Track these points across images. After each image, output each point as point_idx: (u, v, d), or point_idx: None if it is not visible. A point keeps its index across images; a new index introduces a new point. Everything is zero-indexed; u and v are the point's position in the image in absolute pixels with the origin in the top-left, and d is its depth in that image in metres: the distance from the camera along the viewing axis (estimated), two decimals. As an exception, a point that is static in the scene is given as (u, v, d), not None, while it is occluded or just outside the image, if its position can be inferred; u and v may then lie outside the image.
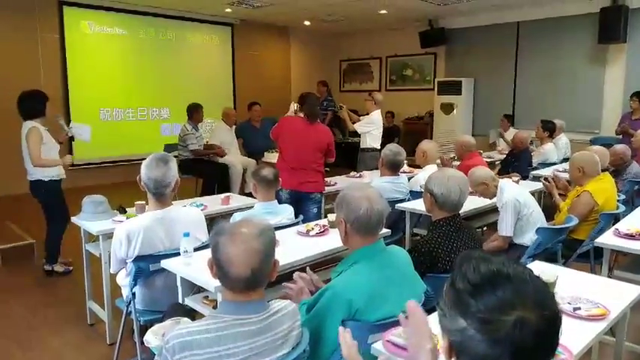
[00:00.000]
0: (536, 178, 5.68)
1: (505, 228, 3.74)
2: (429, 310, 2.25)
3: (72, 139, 5.08)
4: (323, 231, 3.30)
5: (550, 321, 1.00)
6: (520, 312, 0.98)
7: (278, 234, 2.90)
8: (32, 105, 4.71)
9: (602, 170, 4.23)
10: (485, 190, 3.88)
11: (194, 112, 7.16)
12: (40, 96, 4.80)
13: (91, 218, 3.69)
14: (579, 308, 2.06)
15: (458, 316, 1.04)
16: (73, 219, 3.79)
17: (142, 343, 2.13)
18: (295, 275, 2.32)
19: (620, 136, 7.62)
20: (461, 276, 1.06)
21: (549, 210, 4.47)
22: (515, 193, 3.80)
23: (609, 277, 3.23)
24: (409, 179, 5.01)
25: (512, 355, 0.98)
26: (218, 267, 1.66)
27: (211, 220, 3.93)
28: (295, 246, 3.02)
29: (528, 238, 3.71)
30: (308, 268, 2.40)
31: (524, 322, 0.98)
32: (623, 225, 3.47)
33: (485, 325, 1.00)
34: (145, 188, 2.88)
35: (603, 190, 3.98)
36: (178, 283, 2.71)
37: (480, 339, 1.00)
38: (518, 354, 0.98)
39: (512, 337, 0.97)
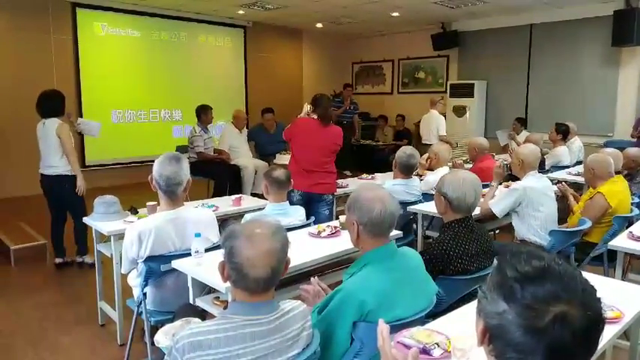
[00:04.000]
0: (550, 181, 5.63)
1: (497, 205, 3.80)
2: (440, 313, 2.25)
3: (81, 135, 5.19)
4: (334, 232, 3.29)
5: (593, 322, 0.99)
6: (565, 306, 0.97)
7: (289, 235, 2.91)
8: (53, 104, 4.98)
9: (616, 173, 4.20)
10: (516, 166, 4.07)
11: (202, 114, 7.19)
12: (60, 95, 5.08)
13: (102, 219, 3.70)
14: (605, 314, 2.03)
15: (500, 299, 1.03)
16: (85, 219, 3.82)
17: (153, 343, 2.14)
18: (313, 279, 2.32)
19: (635, 140, 7.56)
20: (510, 266, 1.05)
21: (562, 213, 4.44)
22: (530, 185, 3.84)
23: (623, 280, 3.19)
24: (421, 181, 4.99)
25: (548, 349, 0.97)
26: (235, 270, 1.66)
27: (223, 222, 3.94)
28: (306, 247, 3.01)
29: (532, 236, 3.80)
30: (315, 277, 2.37)
31: (566, 317, 0.96)
32: (638, 228, 3.43)
33: (528, 311, 0.99)
34: (156, 187, 2.89)
35: (616, 192, 3.95)
36: (189, 284, 2.71)
37: (518, 324, 0.99)
38: (554, 349, 0.97)
39: (552, 330, 0.96)
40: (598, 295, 1.03)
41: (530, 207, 3.79)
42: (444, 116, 8.99)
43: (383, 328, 1.54)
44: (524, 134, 8.79)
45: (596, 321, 0.99)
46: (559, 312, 0.97)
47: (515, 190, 3.84)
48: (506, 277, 1.04)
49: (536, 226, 3.78)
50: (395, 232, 3.14)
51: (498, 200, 3.79)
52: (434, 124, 8.44)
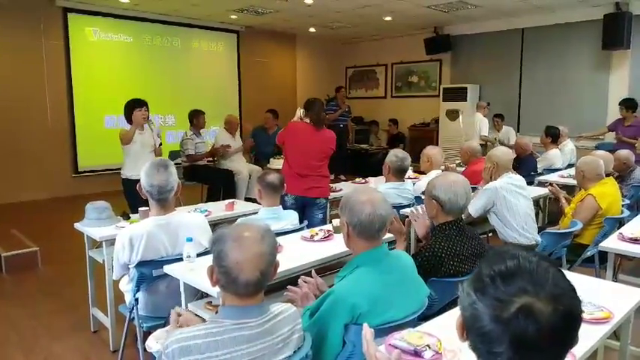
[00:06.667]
0: (542, 184, 5.66)
1: (472, 205, 3.82)
2: (432, 315, 2.26)
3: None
4: (327, 236, 3.29)
5: (564, 317, 0.99)
6: (530, 299, 0.99)
7: (282, 239, 2.91)
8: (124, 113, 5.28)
9: (607, 175, 4.23)
10: (489, 170, 4.08)
11: (194, 119, 7.20)
12: (126, 105, 5.28)
13: (94, 224, 3.68)
14: (582, 312, 2.04)
15: (472, 291, 1.07)
16: (76, 225, 3.79)
17: (145, 349, 2.13)
18: (300, 280, 2.32)
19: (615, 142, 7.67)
20: (487, 264, 1.09)
21: (554, 215, 4.46)
22: (502, 185, 3.88)
23: (614, 281, 3.21)
24: (413, 185, 4.99)
25: (512, 340, 0.99)
26: (224, 274, 1.65)
27: (215, 226, 3.93)
28: (299, 251, 3.01)
29: (512, 233, 3.84)
30: (314, 271, 2.39)
31: (531, 309, 0.98)
32: (628, 229, 3.45)
33: (494, 301, 1.02)
34: (147, 196, 2.89)
35: (607, 194, 3.98)
36: (182, 289, 2.70)
37: (486, 314, 1.02)
38: (518, 341, 0.98)
39: (517, 321, 0.98)
40: (576, 292, 1.05)
41: (505, 206, 3.82)
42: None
43: (367, 332, 1.56)
44: (505, 129, 9.25)
45: (568, 317, 1.00)
46: (524, 304, 0.99)
47: (487, 190, 3.89)
48: (481, 274, 1.08)
49: (515, 224, 3.82)
50: (388, 235, 3.14)
51: (473, 201, 3.82)
52: (478, 125, 9.12)
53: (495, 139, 9.06)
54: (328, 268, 3.04)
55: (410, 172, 5.60)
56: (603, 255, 3.46)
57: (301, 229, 3.59)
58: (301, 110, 4.77)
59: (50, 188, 8.56)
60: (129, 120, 5.24)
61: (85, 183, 8.86)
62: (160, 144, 5.52)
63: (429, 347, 1.81)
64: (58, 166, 8.79)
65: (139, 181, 4.91)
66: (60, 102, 8.82)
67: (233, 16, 10.03)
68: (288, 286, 2.31)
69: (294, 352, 1.77)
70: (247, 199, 6.23)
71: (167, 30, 10.11)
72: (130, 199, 5.11)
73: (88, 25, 9.11)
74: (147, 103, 5.31)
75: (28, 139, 8.33)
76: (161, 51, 10.10)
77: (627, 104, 7.84)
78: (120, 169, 5.44)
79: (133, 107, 5.21)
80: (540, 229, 4.02)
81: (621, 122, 7.89)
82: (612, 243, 3.26)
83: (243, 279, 1.63)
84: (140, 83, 9.77)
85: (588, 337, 1.91)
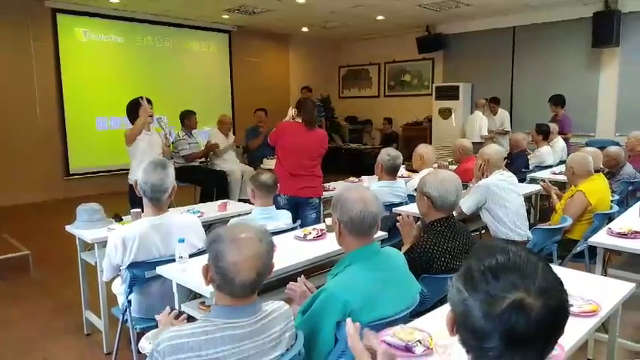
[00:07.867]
0: (534, 181, 5.69)
1: (464, 203, 3.85)
2: (424, 312, 2.27)
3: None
4: (320, 235, 3.30)
5: (552, 310, 1.01)
6: (521, 294, 1.00)
7: (275, 239, 2.90)
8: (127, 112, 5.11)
9: (596, 171, 4.26)
10: (479, 167, 4.12)
11: (186, 119, 7.19)
12: (132, 103, 5.07)
13: (86, 227, 3.66)
14: (571, 305, 2.07)
15: (462, 287, 1.08)
16: (68, 228, 3.76)
17: (139, 351, 2.14)
18: (299, 278, 2.33)
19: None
20: (476, 259, 1.10)
21: (545, 212, 4.49)
22: (493, 182, 3.91)
23: (603, 275, 3.24)
24: (406, 183, 5.02)
25: (503, 335, 1.00)
26: (221, 275, 1.65)
27: (208, 227, 3.93)
28: (292, 250, 3.02)
29: (504, 229, 3.88)
30: (302, 276, 2.40)
31: (522, 304, 0.99)
32: (616, 224, 3.49)
33: (487, 298, 1.02)
34: (140, 193, 2.88)
35: (596, 190, 4.02)
36: (174, 290, 2.70)
37: (478, 310, 1.03)
38: (509, 335, 1.00)
39: (507, 316, 0.99)
40: (564, 285, 1.06)
41: (497, 203, 3.86)
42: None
43: (350, 327, 1.56)
44: (501, 112, 9.28)
45: (555, 310, 1.02)
46: (515, 299, 1.00)
47: (480, 188, 3.93)
48: (471, 269, 1.09)
49: (507, 221, 3.86)
50: (381, 233, 3.17)
51: (465, 198, 3.86)
52: (477, 123, 9.04)
53: (493, 132, 9.12)
54: (321, 267, 3.04)
55: (403, 171, 5.63)
56: (593, 250, 3.50)
57: (294, 228, 3.60)
58: (293, 110, 4.77)
59: (41, 191, 8.50)
60: (133, 120, 4.98)
61: (76, 185, 8.82)
62: (173, 142, 5.28)
63: (420, 342, 1.82)
64: (49, 169, 8.74)
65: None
66: (50, 104, 8.77)
67: (225, 16, 10.02)
68: (289, 284, 2.31)
69: (287, 350, 1.78)
70: (240, 201, 6.23)
71: (158, 30, 10.07)
72: (133, 204, 4.93)
73: (77, 25, 9.05)
74: (151, 101, 5.05)
75: (19, 142, 8.28)
76: (152, 51, 10.05)
77: (555, 100, 8.22)
78: (117, 171, 5.31)
79: (139, 105, 4.95)
80: (532, 226, 4.05)
81: (555, 118, 8.14)
82: (601, 238, 3.30)
83: (239, 280, 1.64)
84: (131, 84, 9.70)
85: (577, 329, 1.94)
